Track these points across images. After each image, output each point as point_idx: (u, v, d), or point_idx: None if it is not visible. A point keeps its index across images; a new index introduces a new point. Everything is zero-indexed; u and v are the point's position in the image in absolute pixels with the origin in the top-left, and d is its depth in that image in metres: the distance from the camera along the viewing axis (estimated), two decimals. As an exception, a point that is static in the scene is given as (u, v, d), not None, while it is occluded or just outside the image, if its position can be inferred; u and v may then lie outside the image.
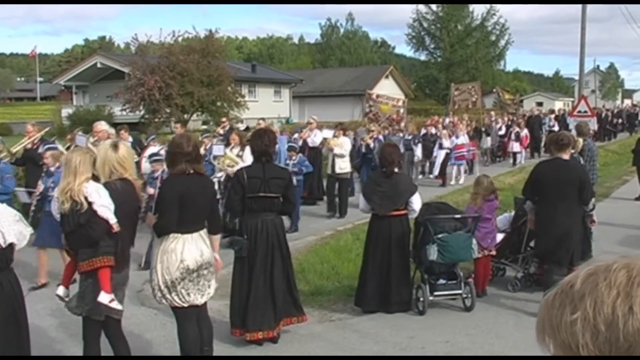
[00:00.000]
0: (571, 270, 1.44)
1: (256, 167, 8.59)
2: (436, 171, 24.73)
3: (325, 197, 19.54)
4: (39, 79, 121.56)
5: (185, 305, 7.28)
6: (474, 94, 33.57)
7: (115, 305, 6.61)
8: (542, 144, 35.60)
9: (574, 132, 14.02)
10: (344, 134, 19.25)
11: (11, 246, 5.96)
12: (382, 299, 9.91)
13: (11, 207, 6.50)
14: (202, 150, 13.15)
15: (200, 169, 7.52)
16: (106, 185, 6.88)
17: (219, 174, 14.70)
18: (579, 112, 25.74)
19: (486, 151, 31.83)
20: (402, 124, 26.70)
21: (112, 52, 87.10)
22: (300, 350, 8.61)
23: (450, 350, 8.53)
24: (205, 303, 7.57)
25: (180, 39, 46.19)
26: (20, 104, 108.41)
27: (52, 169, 11.87)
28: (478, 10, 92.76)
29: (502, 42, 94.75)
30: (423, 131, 26.90)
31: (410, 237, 10.18)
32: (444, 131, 25.76)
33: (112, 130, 16.14)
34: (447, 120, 31.62)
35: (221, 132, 21.34)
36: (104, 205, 6.60)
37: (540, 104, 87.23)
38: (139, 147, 16.94)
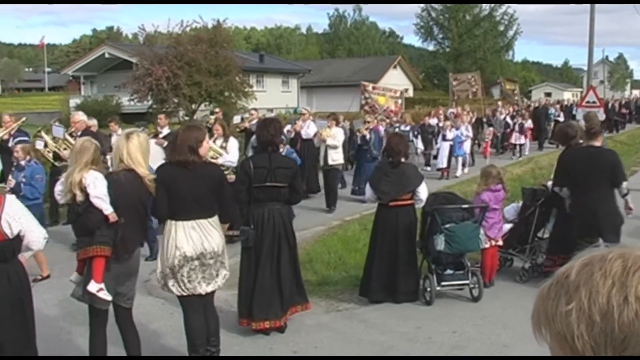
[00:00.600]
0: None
1: (262, 157, 8.57)
2: (442, 163, 24.15)
3: (323, 190, 18.97)
4: (47, 69, 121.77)
5: (185, 293, 7.28)
6: (474, 84, 33.14)
7: (103, 295, 6.59)
8: (549, 135, 35.51)
9: (582, 123, 13.96)
10: (337, 125, 18.94)
11: (18, 237, 5.97)
12: (389, 289, 9.90)
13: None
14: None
15: (197, 159, 7.41)
16: (109, 175, 6.89)
17: None
18: (588, 102, 25.65)
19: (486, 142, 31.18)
20: (406, 115, 26.23)
21: (120, 42, 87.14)
22: (307, 340, 8.60)
23: (458, 340, 8.51)
24: (212, 293, 7.56)
25: (188, 29, 46.11)
26: (29, 94, 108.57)
27: (22, 162, 11.72)
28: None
29: (511, 33, 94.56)
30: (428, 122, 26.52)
31: (417, 227, 10.17)
32: (447, 122, 25.20)
33: (94, 122, 16.04)
34: (450, 111, 31.01)
35: (247, 125, 21.08)
36: (98, 197, 6.62)
37: (548, 95, 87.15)
38: None
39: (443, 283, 10.01)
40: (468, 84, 33.69)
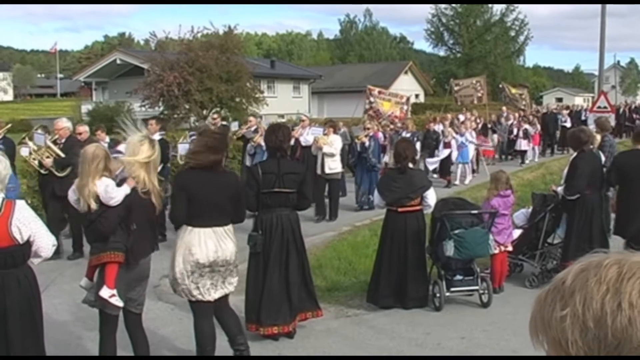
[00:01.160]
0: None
1: (271, 163, 8.59)
2: (431, 167, 23.63)
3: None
4: (59, 75, 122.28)
5: (193, 299, 7.30)
6: (479, 89, 32.48)
7: (115, 301, 6.61)
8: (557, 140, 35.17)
9: (592, 128, 13.97)
10: (335, 132, 18.31)
11: (28, 243, 5.99)
12: (398, 294, 9.90)
13: None
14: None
15: (219, 164, 7.51)
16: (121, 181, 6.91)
17: None
18: (599, 107, 25.58)
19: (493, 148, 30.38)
20: (408, 121, 24.79)
21: (131, 48, 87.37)
22: (316, 345, 8.61)
23: (467, 346, 8.50)
24: (225, 297, 7.59)
25: (199, 35, 46.23)
26: (41, 100, 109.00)
27: None
28: (497, 5, 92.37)
29: (522, 38, 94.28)
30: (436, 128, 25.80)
31: (425, 233, 10.16)
32: (449, 129, 24.34)
33: (85, 128, 15.31)
34: (462, 117, 30.11)
35: (244, 131, 19.81)
36: (112, 198, 6.63)
37: (560, 100, 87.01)
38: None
39: (452, 289, 10.00)
40: (473, 88, 32.92)
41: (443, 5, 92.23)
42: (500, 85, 38.63)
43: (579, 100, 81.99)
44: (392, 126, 24.74)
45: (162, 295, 10.71)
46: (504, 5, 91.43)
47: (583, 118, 37.04)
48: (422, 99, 75.96)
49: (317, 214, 17.22)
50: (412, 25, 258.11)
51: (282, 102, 60.42)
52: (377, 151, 19.41)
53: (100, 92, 64.42)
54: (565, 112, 38.76)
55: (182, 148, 15.36)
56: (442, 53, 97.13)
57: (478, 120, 29.45)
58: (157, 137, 14.97)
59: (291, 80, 68.54)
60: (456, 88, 34.21)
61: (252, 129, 18.84)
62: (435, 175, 23.83)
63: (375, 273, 10.16)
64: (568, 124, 34.67)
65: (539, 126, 31.23)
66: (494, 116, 33.14)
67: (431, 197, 10.00)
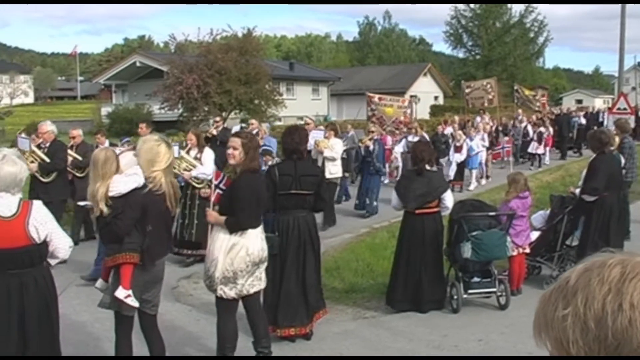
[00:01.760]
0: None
1: (288, 164, 8.61)
2: (450, 174, 22.25)
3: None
4: (79, 78, 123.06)
5: (237, 297, 7.43)
6: (490, 91, 31.95)
7: (131, 301, 6.62)
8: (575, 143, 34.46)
9: (612, 129, 13.93)
10: (336, 135, 17.82)
11: (45, 243, 6.02)
12: (416, 297, 9.88)
13: None
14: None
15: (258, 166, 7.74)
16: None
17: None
18: (618, 109, 25.42)
19: (503, 153, 29.04)
20: (415, 124, 24.07)
21: (151, 51, 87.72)
22: (332, 347, 8.61)
23: (484, 349, 8.48)
24: (257, 296, 7.74)
25: (218, 37, 46.37)
26: (61, 102, 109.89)
27: None
28: (516, 7, 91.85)
29: (541, 39, 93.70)
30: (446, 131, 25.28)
31: (443, 235, 10.14)
32: (460, 132, 23.59)
33: (79, 132, 15.18)
34: (479, 119, 29.80)
35: (214, 132, 19.47)
36: (114, 189, 6.64)
37: (580, 102, 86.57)
38: None
39: (470, 291, 9.97)
40: (483, 90, 32.34)
41: (462, 7, 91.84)
42: (514, 87, 38.16)
43: (599, 102, 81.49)
44: (397, 131, 24.38)
45: (180, 297, 10.76)
46: (523, 6, 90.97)
47: (600, 120, 36.62)
48: (441, 101, 75.79)
49: (325, 223, 15.90)
50: (432, 27, 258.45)
51: (301, 104, 60.43)
52: (381, 155, 18.98)
53: (120, 95, 64.69)
54: (581, 113, 38.13)
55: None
56: (461, 55, 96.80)
57: (491, 124, 29.04)
58: None
59: (310, 83, 68.54)
60: (467, 90, 33.81)
61: (254, 132, 18.63)
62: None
63: (393, 275, 10.15)
64: (583, 121, 34.23)
65: (551, 129, 30.53)
66: (504, 119, 32.53)
67: (449, 199, 9.98)
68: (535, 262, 11.49)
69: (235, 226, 7.35)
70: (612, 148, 11.79)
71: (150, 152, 7.00)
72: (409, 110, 27.22)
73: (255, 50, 46.32)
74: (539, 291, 10.67)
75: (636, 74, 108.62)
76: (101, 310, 7.28)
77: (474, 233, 9.79)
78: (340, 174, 17.32)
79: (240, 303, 7.63)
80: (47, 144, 13.23)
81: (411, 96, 63.75)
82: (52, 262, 6.27)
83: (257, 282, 7.54)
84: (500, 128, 30.12)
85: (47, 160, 12.92)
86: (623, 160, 12.56)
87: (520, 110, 33.33)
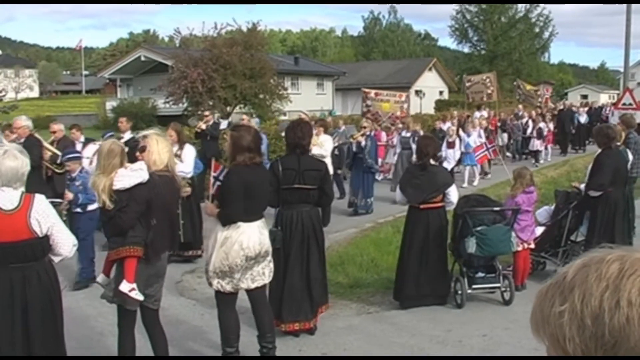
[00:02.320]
0: None
1: (291, 159, 8.57)
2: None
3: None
4: (84, 72, 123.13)
5: (234, 291, 7.45)
6: (489, 86, 31.46)
7: (135, 295, 6.61)
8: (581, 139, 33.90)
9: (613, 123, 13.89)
10: (325, 132, 17.18)
11: (47, 237, 6.01)
12: (420, 292, 9.86)
13: None
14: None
15: (259, 159, 7.62)
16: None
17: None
18: (624, 104, 25.36)
19: (501, 149, 28.30)
20: (409, 119, 23.39)
21: (155, 45, 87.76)
22: (336, 342, 8.59)
23: (488, 344, 8.46)
24: (261, 290, 7.71)
25: (223, 32, 46.34)
26: (66, 97, 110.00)
27: None
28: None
29: (546, 34, 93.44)
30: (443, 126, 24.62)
31: (447, 230, 10.12)
32: (453, 127, 23.01)
33: (61, 126, 15.01)
34: (478, 114, 29.07)
35: (203, 127, 19.30)
36: (128, 175, 6.63)
37: (585, 97, 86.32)
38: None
39: (474, 286, 9.95)
40: (483, 85, 31.78)
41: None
42: (515, 83, 37.65)
43: (604, 97, 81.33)
44: (393, 127, 23.90)
45: (184, 291, 10.76)
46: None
47: (605, 115, 36.24)
48: (446, 95, 75.77)
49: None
50: (437, 22, 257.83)
51: (306, 98, 60.44)
52: (373, 152, 18.27)
53: (124, 89, 64.85)
54: (583, 109, 37.37)
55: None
56: (466, 50, 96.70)
57: (486, 119, 27.90)
58: (128, 135, 14.49)
59: (315, 77, 68.54)
60: (467, 84, 33.57)
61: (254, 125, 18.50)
62: None
63: (399, 271, 10.12)
64: (583, 119, 33.75)
65: (551, 125, 29.89)
66: (502, 114, 31.96)
67: (453, 194, 9.96)
68: (540, 258, 11.47)
69: (224, 219, 7.41)
70: (618, 143, 11.75)
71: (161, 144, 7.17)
72: (405, 105, 26.77)
73: (260, 44, 46.28)
74: (544, 287, 10.73)
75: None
76: (105, 304, 7.28)
77: (479, 228, 9.75)
78: (331, 172, 16.82)
79: (246, 297, 7.65)
80: (22, 140, 12.42)
81: (416, 91, 63.92)
82: (56, 259, 6.25)
83: (259, 277, 7.53)
84: (498, 124, 29.48)
85: None
86: (631, 157, 12.51)
87: (520, 106, 32.83)
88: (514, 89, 36.42)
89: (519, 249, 10.41)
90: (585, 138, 33.95)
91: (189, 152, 12.45)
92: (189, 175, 12.09)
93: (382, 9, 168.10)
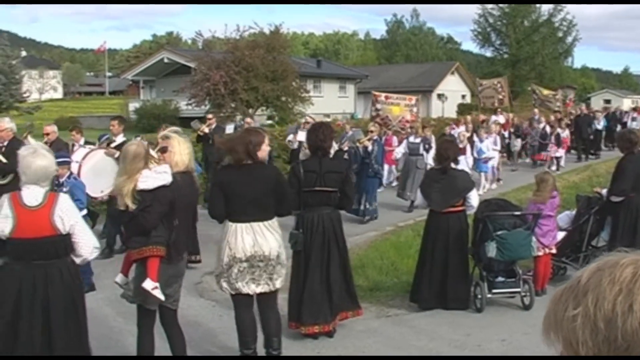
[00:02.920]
0: None
1: (312, 161, 8.59)
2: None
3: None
4: (107, 73, 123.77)
5: (233, 292, 7.44)
6: (500, 91, 30.90)
7: (158, 293, 6.63)
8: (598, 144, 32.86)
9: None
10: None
11: (69, 234, 6.06)
12: (440, 296, 9.84)
13: None
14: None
15: (249, 161, 7.49)
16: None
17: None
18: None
19: (514, 154, 28.44)
20: (417, 124, 22.69)
21: (178, 47, 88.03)
22: (355, 345, 8.59)
23: (507, 349, 8.43)
24: (271, 295, 7.63)
25: (245, 34, 46.47)
26: (90, 98, 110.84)
27: None
28: (545, 5, 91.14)
29: (570, 38, 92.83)
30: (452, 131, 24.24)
31: (468, 234, 10.10)
32: (463, 133, 22.43)
33: (54, 128, 14.47)
34: (493, 118, 28.48)
35: (206, 130, 18.72)
36: (151, 179, 6.66)
37: (608, 102, 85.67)
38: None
39: (494, 290, 9.91)
40: (494, 90, 31.23)
41: (490, 5, 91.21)
42: (530, 88, 37.03)
43: (628, 102, 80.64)
44: (403, 131, 23.39)
45: (203, 292, 10.79)
46: (551, 5, 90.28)
47: (624, 120, 35.52)
48: (468, 99, 75.51)
49: None
50: (460, 26, 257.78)
51: (328, 101, 60.49)
52: (380, 157, 18.05)
53: (147, 91, 65.14)
54: (600, 114, 35.74)
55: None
56: (489, 54, 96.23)
57: (500, 124, 27.25)
58: (120, 139, 13.57)
59: (337, 80, 68.55)
60: (479, 88, 33.24)
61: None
62: None
63: (417, 274, 10.12)
64: (600, 126, 32.92)
65: (567, 131, 29.04)
66: (516, 119, 31.36)
67: (474, 198, 9.94)
68: (561, 263, 11.41)
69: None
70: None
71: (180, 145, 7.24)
72: (415, 109, 26.37)
73: (283, 47, 46.39)
74: (564, 292, 10.67)
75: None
76: (123, 304, 7.32)
77: (499, 232, 9.73)
78: None
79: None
80: (5, 143, 12.03)
81: (438, 95, 63.76)
82: (77, 260, 6.29)
83: (264, 283, 7.44)
84: (511, 129, 28.85)
85: (4, 160, 11.62)
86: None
87: (536, 110, 32.04)
88: (530, 94, 35.83)
89: (540, 253, 10.37)
90: (599, 143, 33.23)
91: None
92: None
93: (405, 12, 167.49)
